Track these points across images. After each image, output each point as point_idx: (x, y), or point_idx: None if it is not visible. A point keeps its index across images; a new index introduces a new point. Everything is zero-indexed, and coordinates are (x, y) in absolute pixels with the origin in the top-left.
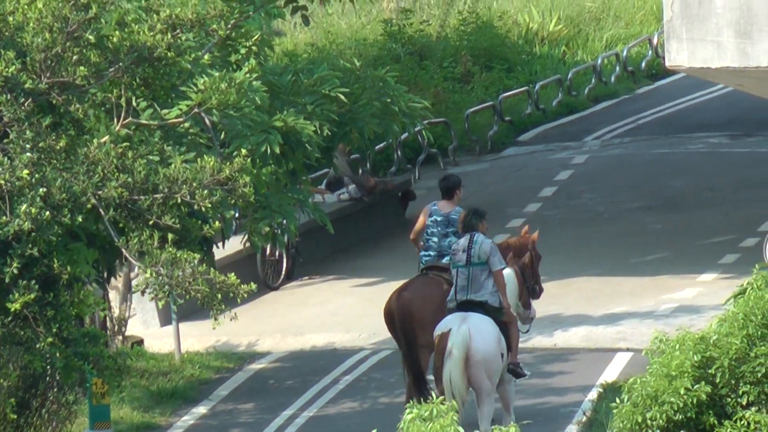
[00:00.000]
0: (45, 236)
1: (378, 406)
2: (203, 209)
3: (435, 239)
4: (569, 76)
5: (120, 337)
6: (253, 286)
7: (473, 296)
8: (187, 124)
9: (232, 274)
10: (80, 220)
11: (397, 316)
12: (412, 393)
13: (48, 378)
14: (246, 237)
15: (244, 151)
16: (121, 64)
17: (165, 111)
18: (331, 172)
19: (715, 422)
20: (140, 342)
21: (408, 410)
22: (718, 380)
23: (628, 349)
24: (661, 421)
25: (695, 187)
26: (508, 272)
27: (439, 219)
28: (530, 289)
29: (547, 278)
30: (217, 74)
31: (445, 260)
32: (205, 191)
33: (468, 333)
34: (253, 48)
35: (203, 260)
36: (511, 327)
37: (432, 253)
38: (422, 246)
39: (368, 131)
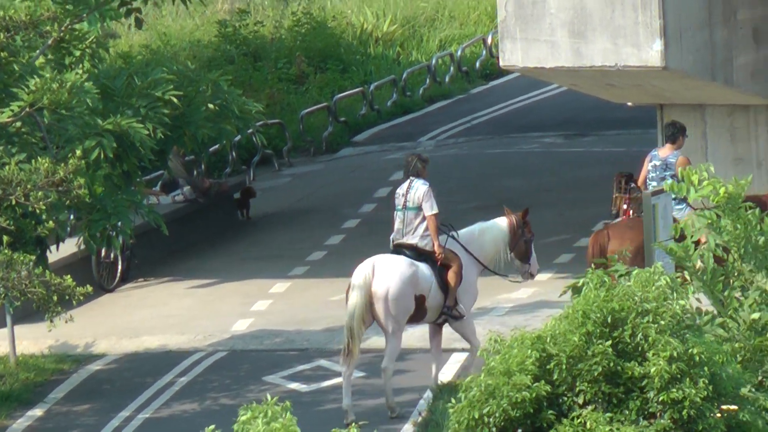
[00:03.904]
0: None
1: (214, 406)
2: (37, 211)
3: (654, 183)
4: (404, 77)
5: None
6: (89, 288)
7: (405, 239)
8: (18, 124)
9: (68, 276)
10: None
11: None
12: None
13: None
14: (81, 239)
15: (78, 152)
16: None
17: None
18: (166, 174)
19: (554, 420)
20: None
21: (242, 411)
22: (555, 378)
23: (463, 350)
24: (498, 418)
25: (530, 186)
26: (498, 220)
27: (657, 163)
28: (526, 241)
29: None
30: (48, 75)
31: None
32: (40, 193)
33: (371, 270)
34: (87, 50)
35: (38, 262)
36: (450, 270)
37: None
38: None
39: (202, 134)
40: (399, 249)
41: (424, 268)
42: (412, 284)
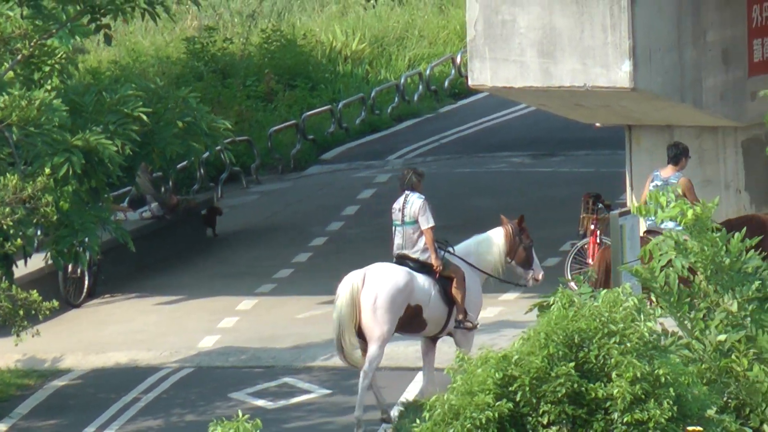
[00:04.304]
0: None
1: (180, 423)
2: (5, 227)
3: None
4: (372, 95)
5: None
6: (56, 303)
7: (408, 252)
8: None
9: (35, 291)
10: None
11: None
12: None
13: None
14: (48, 255)
15: (47, 170)
16: None
17: None
18: (134, 190)
19: None
20: None
21: (212, 427)
22: (519, 399)
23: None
24: None
25: (498, 206)
26: (493, 231)
27: (659, 183)
28: (525, 248)
29: None
30: (17, 92)
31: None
32: (7, 209)
33: (362, 278)
34: (56, 66)
35: (3, 277)
36: (454, 281)
37: (651, 218)
38: None
39: (170, 151)
40: (403, 261)
41: (422, 279)
42: (405, 293)
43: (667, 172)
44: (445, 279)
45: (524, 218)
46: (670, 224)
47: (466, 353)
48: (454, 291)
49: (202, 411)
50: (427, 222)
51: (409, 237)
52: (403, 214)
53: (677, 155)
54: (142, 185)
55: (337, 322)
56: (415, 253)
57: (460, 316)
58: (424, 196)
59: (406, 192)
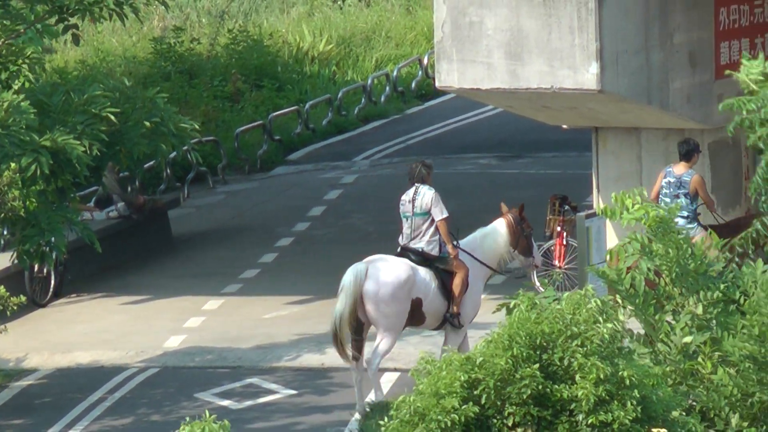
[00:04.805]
0: None
1: (145, 423)
2: None
3: (667, 200)
4: (339, 96)
5: None
6: (23, 298)
7: (411, 244)
8: None
9: (2, 287)
10: None
11: None
12: None
13: None
14: (15, 254)
15: (14, 165)
16: None
17: None
18: (101, 190)
19: None
20: None
21: (182, 427)
22: (484, 401)
23: (395, 369)
24: None
25: (465, 208)
26: (497, 223)
27: (672, 180)
28: (527, 236)
29: (317, 297)
30: None
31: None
32: None
33: (364, 271)
34: (24, 67)
35: None
36: (456, 276)
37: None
38: None
39: (137, 151)
40: (405, 253)
41: (423, 272)
42: (407, 287)
43: (680, 169)
44: (446, 272)
45: (524, 207)
46: (681, 221)
47: (452, 350)
48: (454, 286)
49: (168, 411)
50: (441, 213)
51: (418, 227)
52: (413, 205)
53: (689, 152)
54: (108, 185)
55: (337, 314)
56: (420, 244)
57: (454, 309)
58: (434, 188)
59: (417, 184)
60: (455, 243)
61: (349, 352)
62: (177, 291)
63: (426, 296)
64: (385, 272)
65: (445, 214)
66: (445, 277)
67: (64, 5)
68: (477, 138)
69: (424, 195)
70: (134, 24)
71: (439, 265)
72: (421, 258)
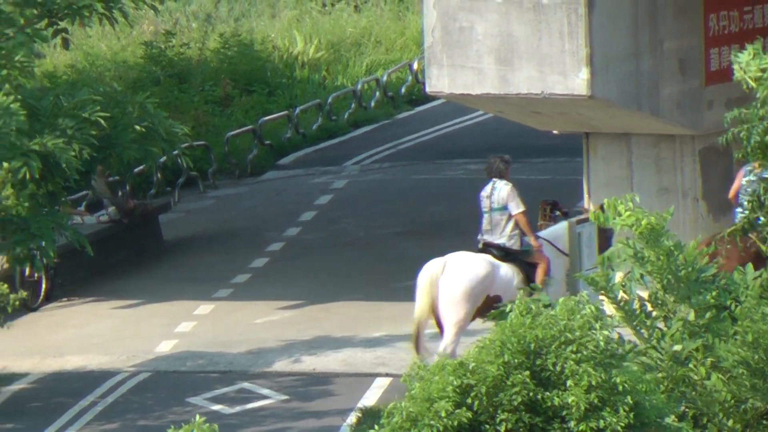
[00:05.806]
0: None
1: (136, 427)
2: None
3: (747, 197)
4: (329, 101)
5: None
6: (24, 293)
7: (491, 239)
8: None
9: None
10: None
11: None
12: None
13: None
14: (5, 259)
15: (6, 165)
16: None
17: None
18: (91, 194)
19: None
20: None
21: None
22: (476, 407)
23: (387, 374)
24: None
25: (454, 213)
26: (563, 224)
27: (753, 179)
28: None
29: (308, 302)
30: None
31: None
32: None
33: (442, 266)
34: (13, 71)
35: None
36: (539, 268)
37: (739, 210)
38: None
39: (128, 156)
40: (487, 248)
41: (505, 268)
42: (485, 284)
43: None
44: (530, 265)
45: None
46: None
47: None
48: (537, 276)
49: (159, 416)
50: (517, 207)
51: (497, 223)
52: (490, 200)
53: None
54: (98, 189)
55: (417, 312)
56: (501, 239)
57: None
58: (511, 183)
59: (494, 179)
60: (537, 234)
61: (423, 349)
62: (168, 295)
63: (506, 293)
64: (462, 269)
65: (522, 208)
66: (529, 271)
67: (53, 9)
68: (466, 143)
69: (501, 189)
70: (124, 28)
71: (522, 257)
72: (503, 252)
